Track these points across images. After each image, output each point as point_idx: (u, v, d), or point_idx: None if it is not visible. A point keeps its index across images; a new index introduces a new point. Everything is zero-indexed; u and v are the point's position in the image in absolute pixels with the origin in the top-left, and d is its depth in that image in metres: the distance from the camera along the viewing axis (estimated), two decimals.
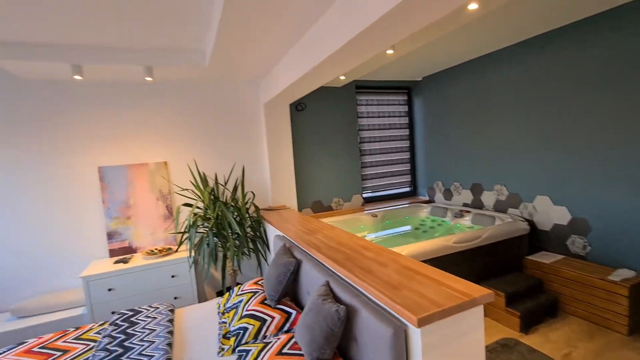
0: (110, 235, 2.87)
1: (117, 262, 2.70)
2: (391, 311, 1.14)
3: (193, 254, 2.69)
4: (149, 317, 2.00)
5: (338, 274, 1.52)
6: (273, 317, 1.72)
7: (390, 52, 2.33)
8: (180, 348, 1.75)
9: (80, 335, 1.88)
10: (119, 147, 2.91)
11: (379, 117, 4.23)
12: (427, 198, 4.37)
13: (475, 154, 3.62)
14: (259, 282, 2.13)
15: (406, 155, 4.46)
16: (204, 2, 1.82)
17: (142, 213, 2.98)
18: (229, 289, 3.03)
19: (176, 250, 2.89)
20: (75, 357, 1.66)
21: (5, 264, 2.60)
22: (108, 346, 1.69)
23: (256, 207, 3.04)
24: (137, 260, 2.74)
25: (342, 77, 3.35)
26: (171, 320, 1.96)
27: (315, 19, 1.96)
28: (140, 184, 2.98)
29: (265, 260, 3.06)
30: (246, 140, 3.38)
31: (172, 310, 2.10)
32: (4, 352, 1.74)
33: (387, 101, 4.28)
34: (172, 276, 2.73)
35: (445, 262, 2.59)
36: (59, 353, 1.71)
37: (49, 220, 2.70)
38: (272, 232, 2.77)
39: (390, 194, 4.40)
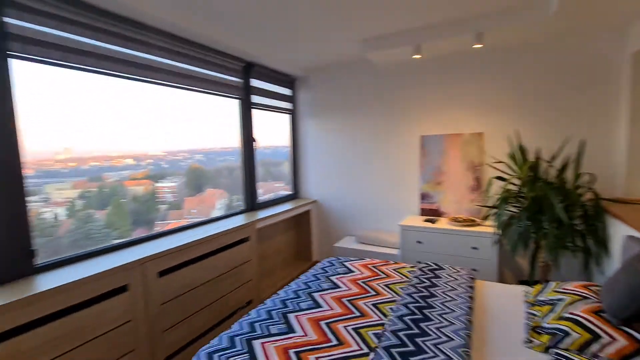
0: (423, 196, 3.26)
1: (426, 220, 3.05)
2: None
3: (499, 232, 2.51)
4: (451, 276, 2.11)
5: None
6: (614, 339, 1.26)
7: None
8: (479, 318, 1.71)
9: (397, 268, 2.31)
10: (439, 118, 3.17)
11: None
12: None
13: None
14: (591, 288, 1.63)
15: None
16: None
17: (451, 181, 3.13)
18: (535, 282, 2.59)
19: (479, 224, 2.82)
20: (393, 283, 2.07)
21: (358, 202, 3.67)
22: (417, 285, 1.96)
23: (596, 194, 2.31)
24: (443, 223, 2.95)
25: None
26: (471, 287, 1.96)
27: None
28: (453, 153, 3.11)
29: (598, 264, 2.30)
30: (587, 108, 2.59)
31: (472, 279, 2.10)
32: (355, 260, 2.48)
33: None
34: (473, 247, 2.71)
35: None
36: (383, 275, 2.20)
37: (385, 174, 3.48)
38: (622, 231, 2.00)
39: None
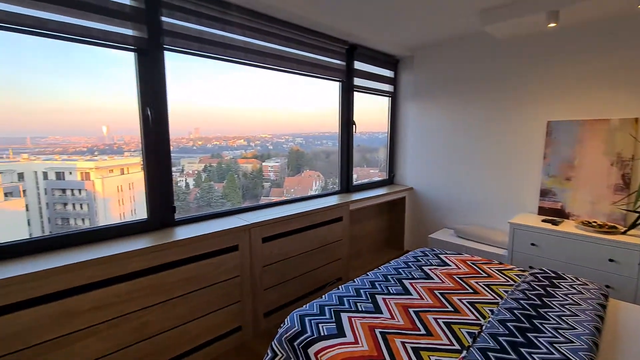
0: (543, 193, 2.78)
1: (544, 220, 2.61)
2: None
3: None
4: (574, 288, 1.77)
5: None
6: None
7: None
8: (610, 343, 1.40)
9: (503, 270, 2.06)
10: (574, 99, 2.61)
11: None
12: None
13: None
14: None
15: None
16: None
17: (586, 177, 2.57)
18: None
19: (623, 232, 2.27)
20: (495, 284, 1.85)
21: (460, 193, 3.37)
22: (526, 292, 1.71)
23: None
24: (568, 226, 2.47)
25: None
26: (602, 306, 1.61)
27: None
28: (593, 143, 2.54)
29: None
30: None
31: (605, 296, 1.72)
32: (451, 253, 2.31)
33: None
34: (610, 260, 2.21)
35: None
36: (483, 274, 1.99)
37: (495, 164, 3.09)
38: None
39: None
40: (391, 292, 1.75)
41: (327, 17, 2.57)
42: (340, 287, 1.83)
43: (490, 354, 1.21)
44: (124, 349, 1.64)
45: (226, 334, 2.09)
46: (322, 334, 1.38)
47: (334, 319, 1.48)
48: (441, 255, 2.27)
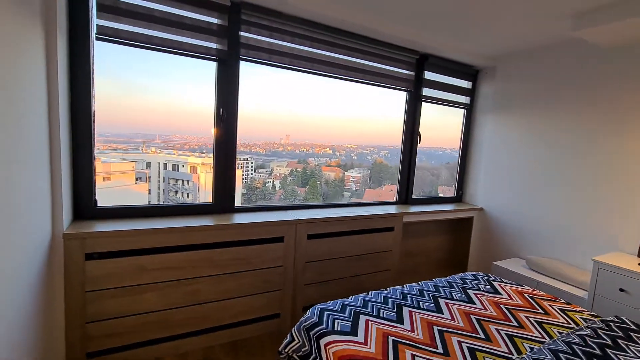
0: None
1: None
2: None
3: None
4: None
5: None
6: None
7: None
8: None
9: (567, 310, 1.77)
10: None
11: None
12: None
13: None
14: None
15: None
16: None
17: None
18: None
19: None
20: (550, 323, 1.61)
21: (538, 220, 2.96)
22: (587, 338, 1.45)
23: None
24: None
25: None
26: None
27: None
28: None
29: None
30: None
31: None
32: (509, 283, 2.08)
33: None
34: None
35: None
36: (540, 310, 1.74)
37: (586, 190, 2.63)
38: None
39: None
40: (421, 307, 1.68)
41: (397, 28, 2.58)
42: (370, 292, 1.83)
43: None
44: (178, 308, 1.94)
45: (266, 317, 2.27)
46: (335, 329, 1.43)
47: (351, 318, 1.51)
48: (495, 283, 2.06)
